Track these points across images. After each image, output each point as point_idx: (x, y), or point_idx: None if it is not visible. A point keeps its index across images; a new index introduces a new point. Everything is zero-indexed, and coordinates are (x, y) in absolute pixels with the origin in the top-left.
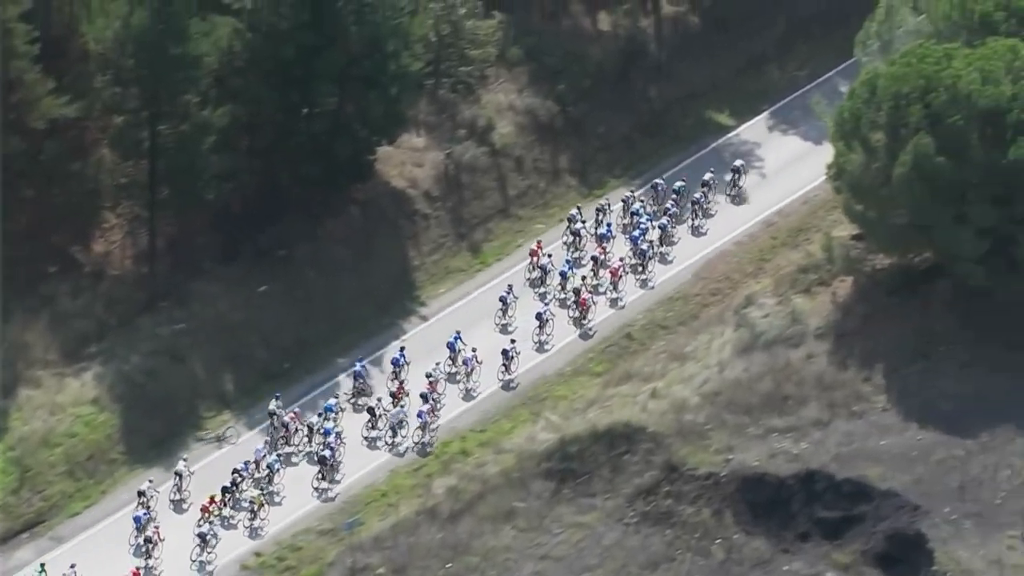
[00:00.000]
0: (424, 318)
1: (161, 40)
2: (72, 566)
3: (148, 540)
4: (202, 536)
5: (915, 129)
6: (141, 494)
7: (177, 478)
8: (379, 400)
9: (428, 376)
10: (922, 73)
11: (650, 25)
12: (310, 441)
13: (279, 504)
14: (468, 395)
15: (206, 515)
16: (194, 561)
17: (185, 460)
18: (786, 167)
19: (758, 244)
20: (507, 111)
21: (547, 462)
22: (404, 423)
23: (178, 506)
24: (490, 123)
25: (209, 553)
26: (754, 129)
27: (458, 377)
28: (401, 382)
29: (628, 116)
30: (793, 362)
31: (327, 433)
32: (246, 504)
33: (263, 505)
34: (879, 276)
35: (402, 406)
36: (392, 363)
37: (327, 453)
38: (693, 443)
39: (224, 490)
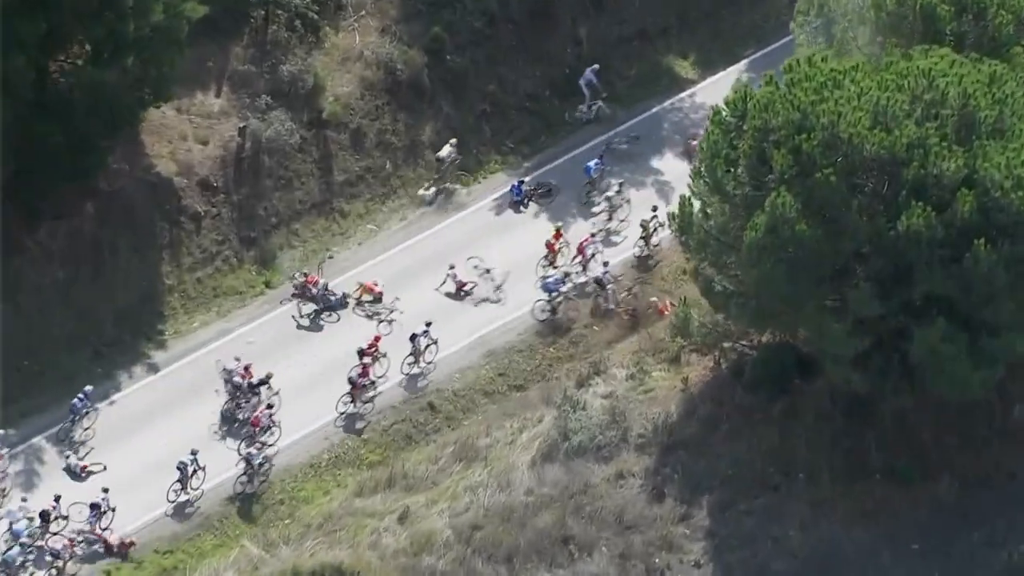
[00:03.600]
0: (155, 368)
1: None
2: None
3: None
4: None
5: (781, 180)
6: None
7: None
8: None
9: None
10: (797, 103)
11: None
12: None
13: None
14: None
15: None
16: None
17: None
18: None
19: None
20: (353, 62)
21: None
22: None
23: None
24: (318, 80)
25: None
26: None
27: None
28: None
29: (537, 68)
30: (595, 484)
31: None
32: None
33: None
34: (743, 360)
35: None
36: None
37: None
38: None
39: None
